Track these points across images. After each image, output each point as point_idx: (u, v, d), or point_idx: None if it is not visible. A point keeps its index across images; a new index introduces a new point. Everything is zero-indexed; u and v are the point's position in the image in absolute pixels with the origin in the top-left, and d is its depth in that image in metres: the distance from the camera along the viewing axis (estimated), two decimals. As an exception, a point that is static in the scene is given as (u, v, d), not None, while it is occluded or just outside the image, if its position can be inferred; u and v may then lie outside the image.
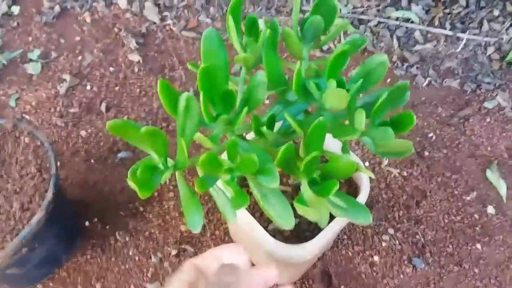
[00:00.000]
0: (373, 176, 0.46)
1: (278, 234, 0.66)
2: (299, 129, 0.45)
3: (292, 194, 0.68)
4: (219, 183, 0.45)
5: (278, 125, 0.51)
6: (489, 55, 1.14)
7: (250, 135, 0.68)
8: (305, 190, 0.44)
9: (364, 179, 0.65)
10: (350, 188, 0.69)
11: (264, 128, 0.47)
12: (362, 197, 0.64)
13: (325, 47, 1.17)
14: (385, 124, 0.45)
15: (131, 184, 0.41)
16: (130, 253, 0.90)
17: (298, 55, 0.51)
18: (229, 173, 0.43)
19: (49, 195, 0.70)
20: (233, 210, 0.45)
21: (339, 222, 0.62)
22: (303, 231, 0.67)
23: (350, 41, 0.50)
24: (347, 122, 0.47)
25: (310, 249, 0.61)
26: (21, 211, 0.69)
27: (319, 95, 0.46)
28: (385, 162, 1.00)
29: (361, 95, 0.50)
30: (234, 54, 0.49)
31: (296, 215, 0.65)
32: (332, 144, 0.58)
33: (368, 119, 0.45)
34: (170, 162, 0.44)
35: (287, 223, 0.46)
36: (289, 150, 0.43)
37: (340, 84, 0.44)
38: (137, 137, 0.42)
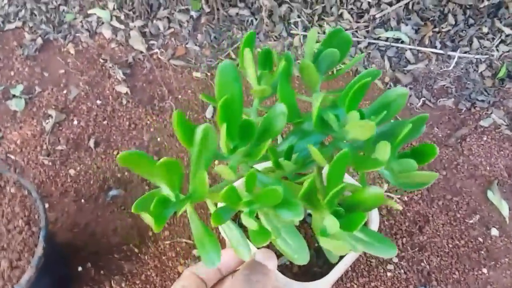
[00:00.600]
0: (400, 208, 0.43)
1: (285, 270, 0.63)
2: (323, 160, 0.42)
3: (298, 227, 0.65)
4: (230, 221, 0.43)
5: (293, 156, 0.49)
6: (481, 72, 1.14)
7: (261, 165, 0.66)
8: (331, 223, 0.40)
9: (373, 210, 0.62)
10: None
11: (283, 160, 0.44)
12: (373, 228, 0.61)
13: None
14: (405, 156, 0.43)
15: (146, 218, 0.37)
16: (127, 298, 0.86)
17: (314, 85, 0.49)
18: (248, 206, 0.40)
19: (39, 250, 0.66)
20: (246, 245, 0.42)
21: (351, 256, 0.59)
22: (312, 266, 0.64)
23: (368, 73, 0.48)
24: (362, 153, 0.46)
25: (324, 286, 0.59)
26: (10, 270, 0.65)
27: (338, 127, 0.44)
28: (385, 187, 0.98)
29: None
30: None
31: None
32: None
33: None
34: (181, 196, 0.42)
35: (302, 259, 0.43)
36: (313, 183, 0.40)
37: (361, 116, 0.43)
38: (150, 170, 0.40)
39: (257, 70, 0.49)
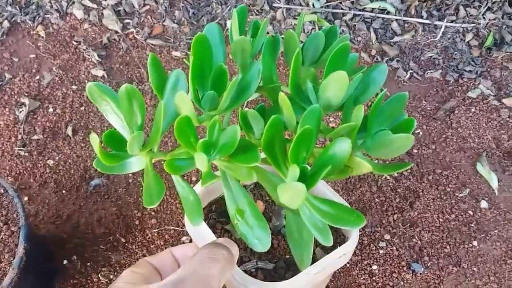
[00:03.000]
0: (370, 168, 0.40)
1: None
2: (290, 110, 0.39)
3: (271, 238, 0.63)
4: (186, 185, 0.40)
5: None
6: (468, 41, 1.12)
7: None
8: (292, 172, 0.37)
9: (353, 231, 0.59)
10: (338, 238, 0.63)
11: (252, 111, 0.41)
12: (351, 245, 0.58)
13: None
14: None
15: (93, 140, 0.35)
16: (116, 289, 0.84)
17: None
18: (205, 150, 0.37)
19: (20, 251, 0.63)
20: (199, 211, 0.40)
21: (318, 267, 0.56)
22: (280, 278, 0.61)
23: (341, 40, 0.46)
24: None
25: None
26: (-10, 272, 0.62)
27: (314, 94, 0.42)
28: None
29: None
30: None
31: (273, 260, 0.60)
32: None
33: (363, 137, 0.41)
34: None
35: (263, 243, 0.41)
36: (277, 123, 0.37)
37: None
38: (111, 104, 0.39)
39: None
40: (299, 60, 0.42)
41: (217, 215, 0.65)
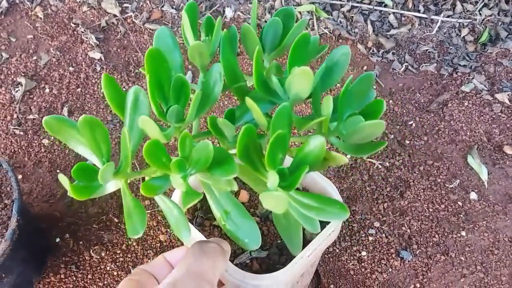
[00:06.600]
0: (346, 161, 0.41)
1: (245, 268, 0.60)
2: (262, 117, 0.39)
3: (261, 225, 0.63)
4: (168, 200, 0.40)
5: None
6: (464, 36, 1.13)
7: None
8: (271, 179, 0.37)
9: (330, 188, 0.60)
10: None
11: (221, 120, 0.41)
12: (338, 221, 0.59)
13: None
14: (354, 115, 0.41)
15: (63, 180, 0.33)
16: (108, 268, 0.85)
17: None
18: (180, 169, 0.36)
19: (13, 223, 0.64)
20: (185, 224, 0.40)
21: (311, 249, 0.57)
22: (274, 264, 0.61)
23: (300, 24, 0.46)
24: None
25: (283, 278, 0.56)
26: (-18, 243, 0.63)
27: (281, 88, 0.41)
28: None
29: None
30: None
31: (266, 247, 0.60)
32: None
33: (335, 120, 0.42)
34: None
35: (254, 242, 0.42)
36: (251, 132, 0.37)
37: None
38: (74, 135, 0.37)
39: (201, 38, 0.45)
40: (261, 58, 0.41)
41: (203, 213, 0.64)
